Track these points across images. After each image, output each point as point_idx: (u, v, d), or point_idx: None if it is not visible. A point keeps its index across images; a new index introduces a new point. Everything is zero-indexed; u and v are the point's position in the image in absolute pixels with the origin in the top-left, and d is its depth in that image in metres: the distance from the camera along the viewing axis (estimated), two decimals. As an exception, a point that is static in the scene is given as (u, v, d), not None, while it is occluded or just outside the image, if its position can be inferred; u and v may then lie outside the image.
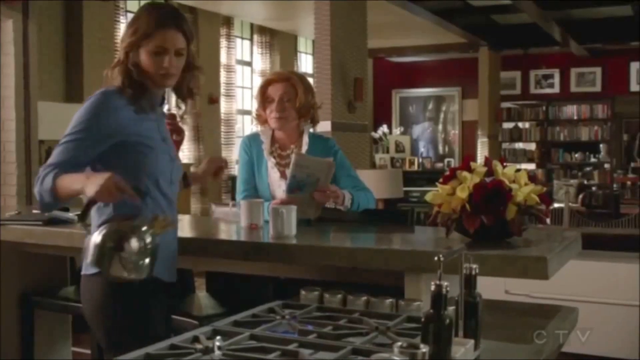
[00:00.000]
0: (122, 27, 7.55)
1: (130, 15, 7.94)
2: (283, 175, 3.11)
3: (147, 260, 2.03)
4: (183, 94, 2.39)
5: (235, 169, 8.51)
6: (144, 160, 2.22)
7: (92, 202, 2.10)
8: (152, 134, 2.26)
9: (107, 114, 2.18)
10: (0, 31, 5.93)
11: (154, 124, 2.29)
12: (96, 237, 2.03)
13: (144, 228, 2.03)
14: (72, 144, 2.16)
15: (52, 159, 2.17)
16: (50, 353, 3.55)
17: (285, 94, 3.08)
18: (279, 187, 3.10)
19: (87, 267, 2.19)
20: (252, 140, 3.21)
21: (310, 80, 3.39)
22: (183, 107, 2.47)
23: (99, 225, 2.15)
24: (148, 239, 2.03)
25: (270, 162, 3.14)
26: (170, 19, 2.23)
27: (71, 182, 2.10)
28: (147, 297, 2.20)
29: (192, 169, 2.48)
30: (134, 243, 2.00)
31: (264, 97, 3.14)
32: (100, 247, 2.01)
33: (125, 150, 2.20)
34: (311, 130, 3.25)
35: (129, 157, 2.21)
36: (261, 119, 3.20)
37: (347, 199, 2.98)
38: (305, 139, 3.14)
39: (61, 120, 6.42)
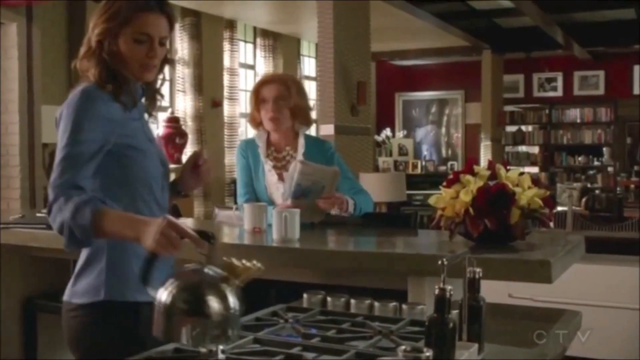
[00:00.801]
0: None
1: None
2: (280, 177, 3.12)
3: (233, 329, 1.45)
4: (153, 90, 2.08)
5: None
6: (136, 166, 1.97)
7: (153, 258, 1.65)
8: (139, 135, 2.00)
9: (100, 115, 1.89)
10: (4, 35, 5.95)
11: (139, 123, 2.03)
12: (161, 296, 1.44)
13: (224, 281, 1.44)
14: (74, 159, 1.86)
15: (63, 178, 1.83)
16: (53, 356, 3.55)
17: (279, 94, 3.10)
18: (276, 190, 3.12)
19: (77, 294, 1.95)
20: (248, 145, 3.23)
21: (314, 83, 3.41)
22: (149, 102, 2.09)
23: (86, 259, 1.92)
24: (231, 298, 1.44)
25: (267, 165, 3.15)
26: (154, 0, 1.94)
27: (119, 225, 1.76)
28: (144, 325, 1.85)
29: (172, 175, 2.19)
30: (215, 304, 1.41)
31: (257, 98, 3.15)
32: (169, 312, 1.42)
33: (115, 156, 1.93)
34: (307, 132, 3.27)
35: (120, 165, 1.94)
36: (255, 122, 3.20)
37: (350, 205, 2.99)
38: (301, 141, 3.16)
39: (64, 124, 6.45)
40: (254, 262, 1.45)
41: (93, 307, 1.93)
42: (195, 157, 2.18)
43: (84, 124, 1.88)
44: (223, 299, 1.41)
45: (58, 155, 1.87)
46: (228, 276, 1.43)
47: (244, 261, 1.45)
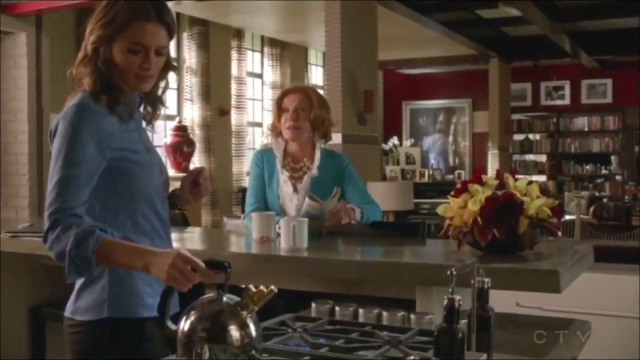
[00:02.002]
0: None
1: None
2: (295, 189, 3.14)
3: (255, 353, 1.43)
4: (154, 98, 2.00)
5: (246, 181, 8.53)
6: (136, 181, 1.89)
7: (170, 291, 1.62)
8: (138, 147, 1.92)
9: (96, 132, 1.81)
10: (14, 44, 5.98)
11: (136, 134, 1.95)
12: (183, 323, 1.44)
13: (244, 308, 1.44)
14: (69, 182, 1.78)
15: (58, 203, 1.76)
16: (61, 365, 3.56)
17: (300, 104, 3.14)
18: (290, 202, 3.14)
19: (79, 311, 1.89)
20: (265, 154, 3.24)
21: (321, 92, 3.43)
22: (150, 110, 2.02)
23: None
24: (252, 325, 1.44)
25: (283, 175, 3.16)
26: (152, 9, 1.84)
27: (127, 257, 1.72)
28: (149, 341, 1.89)
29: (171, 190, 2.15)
30: (235, 332, 1.41)
31: (279, 108, 3.19)
32: (190, 341, 1.41)
33: (112, 171, 1.85)
34: (323, 145, 3.28)
35: (118, 179, 1.87)
36: (275, 131, 3.23)
37: (357, 213, 3.01)
38: (317, 155, 3.17)
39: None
40: (272, 287, 1.46)
41: (96, 325, 1.87)
42: (196, 174, 2.11)
43: (80, 142, 1.80)
44: (244, 326, 1.42)
45: (53, 178, 1.79)
46: (247, 303, 1.43)
47: (261, 287, 1.45)
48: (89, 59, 1.87)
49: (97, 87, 1.85)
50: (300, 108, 3.14)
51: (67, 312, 1.94)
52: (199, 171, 2.12)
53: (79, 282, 1.92)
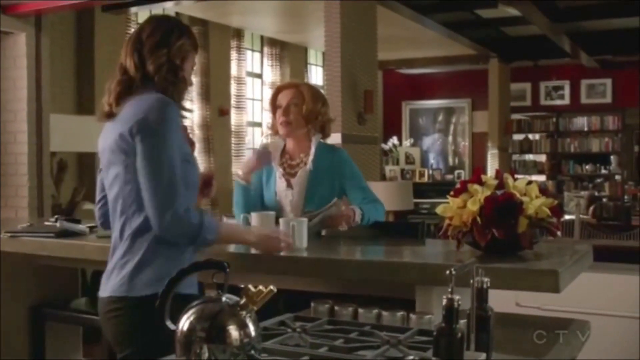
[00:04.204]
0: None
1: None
2: (289, 184, 3.13)
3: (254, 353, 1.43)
4: None
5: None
6: (191, 174, 2.21)
7: (167, 293, 1.62)
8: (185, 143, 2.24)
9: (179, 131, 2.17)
10: (14, 45, 5.98)
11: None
12: (182, 323, 1.43)
13: (243, 308, 1.44)
14: (179, 183, 2.09)
15: (180, 201, 2.08)
16: (61, 365, 3.56)
17: (293, 99, 3.14)
18: (285, 197, 3.14)
19: (137, 287, 2.11)
20: None
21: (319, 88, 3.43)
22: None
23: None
24: (251, 325, 1.43)
25: (278, 172, 3.16)
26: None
27: (240, 234, 2.36)
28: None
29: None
30: (234, 332, 1.41)
31: (274, 105, 3.20)
32: (187, 337, 1.41)
33: (184, 165, 2.16)
34: (321, 140, 3.27)
35: (187, 173, 2.17)
36: (274, 129, 3.24)
37: (357, 215, 3.00)
38: (313, 149, 3.15)
39: (73, 133, 6.50)
40: (271, 287, 1.47)
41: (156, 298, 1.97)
42: (208, 177, 2.47)
43: (176, 142, 2.11)
44: (243, 326, 1.42)
45: (164, 177, 2.06)
46: (246, 303, 1.44)
47: (260, 287, 1.46)
48: (174, 68, 2.25)
49: (176, 91, 2.24)
50: (293, 103, 3.13)
51: (118, 292, 2.12)
52: (211, 174, 2.50)
53: (130, 265, 2.13)
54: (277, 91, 3.22)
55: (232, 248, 2.61)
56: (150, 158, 2.07)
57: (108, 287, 2.17)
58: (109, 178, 2.23)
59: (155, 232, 2.10)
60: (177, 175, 2.08)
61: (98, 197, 2.43)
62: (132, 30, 7.60)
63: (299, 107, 3.12)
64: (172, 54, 2.19)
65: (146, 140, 2.08)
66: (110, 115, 2.21)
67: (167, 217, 2.06)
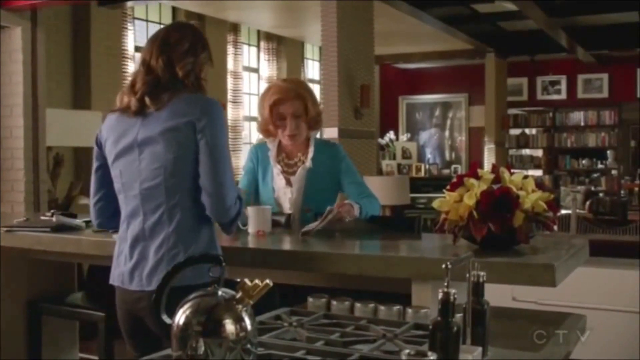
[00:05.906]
0: (129, 35, 7.58)
1: (138, 23, 7.97)
2: (288, 182, 3.13)
3: (250, 347, 1.41)
4: None
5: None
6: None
7: (163, 286, 1.69)
8: None
9: None
10: (9, 39, 5.97)
11: None
12: (178, 317, 1.42)
13: (239, 302, 1.43)
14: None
15: (235, 191, 2.30)
16: (57, 358, 3.56)
17: (297, 111, 3.09)
18: (284, 195, 3.13)
19: (189, 277, 2.10)
20: (260, 148, 3.24)
21: (317, 86, 3.41)
22: None
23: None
24: (247, 319, 1.42)
25: (276, 169, 3.15)
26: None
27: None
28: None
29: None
30: (230, 326, 1.40)
31: (272, 113, 3.12)
32: (183, 332, 1.40)
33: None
34: (317, 136, 3.26)
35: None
36: (267, 133, 3.18)
37: (355, 209, 2.98)
38: (311, 149, 3.15)
39: (69, 127, 6.49)
40: (267, 281, 1.45)
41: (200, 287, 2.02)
42: None
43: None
44: (239, 320, 1.40)
45: (228, 169, 2.26)
46: (242, 297, 1.43)
47: (256, 281, 1.45)
48: (200, 70, 2.50)
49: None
50: (298, 115, 3.09)
51: (180, 282, 2.09)
52: None
53: (182, 255, 2.21)
54: (279, 101, 3.10)
55: (226, 242, 2.61)
56: (217, 151, 2.23)
57: (154, 280, 2.20)
58: (143, 167, 2.27)
59: (217, 220, 2.29)
60: (231, 168, 2.31)
61: (96, 194, 2.43)
62: (128, 23, 7.60)
63: (304, 117, 3.11)
64: (197, 63, 2.40)
65: (213, 135, 2.22)
66: (142, 110, 2.28)
67: (231, 206, 2.26)
